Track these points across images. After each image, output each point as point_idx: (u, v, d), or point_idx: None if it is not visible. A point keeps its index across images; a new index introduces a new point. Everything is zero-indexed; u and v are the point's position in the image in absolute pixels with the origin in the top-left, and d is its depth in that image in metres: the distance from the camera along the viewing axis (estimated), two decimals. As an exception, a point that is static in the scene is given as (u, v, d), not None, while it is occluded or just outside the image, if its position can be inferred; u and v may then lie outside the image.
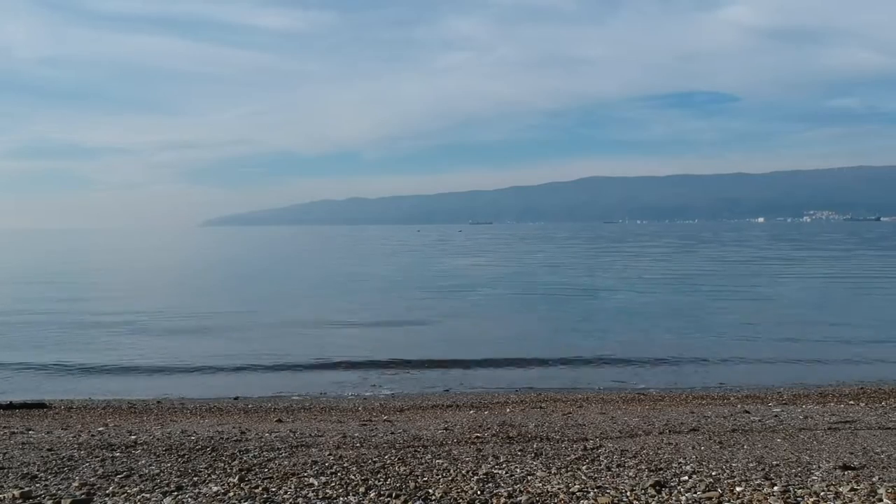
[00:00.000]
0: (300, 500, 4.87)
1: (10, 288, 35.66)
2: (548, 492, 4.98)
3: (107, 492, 5.05)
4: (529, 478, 5.38)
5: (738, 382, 13.14)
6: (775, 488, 4.99)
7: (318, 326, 21.02)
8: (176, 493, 5.01)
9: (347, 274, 43.79)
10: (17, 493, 4.95)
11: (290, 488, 5.12)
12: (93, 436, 7.61)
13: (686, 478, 5.33)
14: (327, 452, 6.42)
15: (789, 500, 4.72)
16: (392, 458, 6.16)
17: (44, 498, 4.92)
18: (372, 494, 4.99)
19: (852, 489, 4.92)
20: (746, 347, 16.78)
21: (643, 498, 4.84)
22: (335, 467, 5.76)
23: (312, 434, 7.67)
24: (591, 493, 4.93)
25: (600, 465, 5.82)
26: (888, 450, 6.38)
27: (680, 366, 14.91)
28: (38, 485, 5.24)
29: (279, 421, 9.47)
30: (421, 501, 4.87)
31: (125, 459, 6.10)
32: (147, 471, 5.65)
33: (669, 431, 7.57)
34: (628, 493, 4.92)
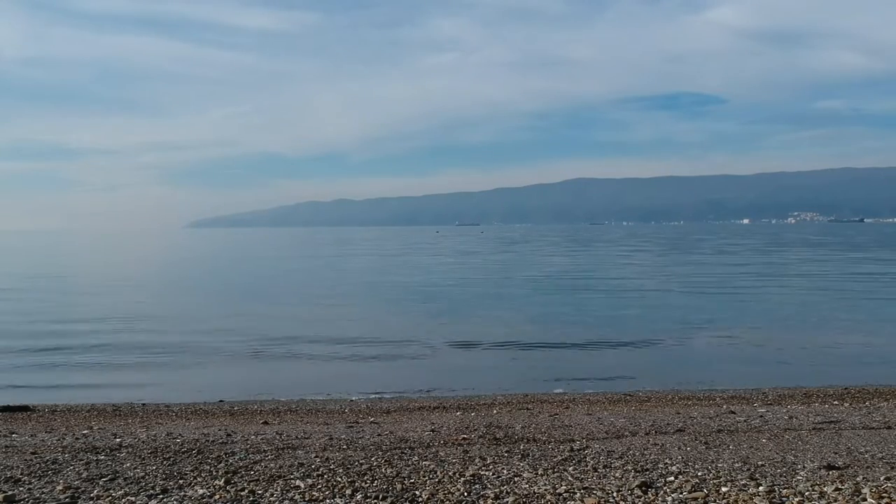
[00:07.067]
0: (286, 502, 4.85)
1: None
2: (535, 493, 4.98)
3: (91, 495, 5.01)
4: (516, 479, 5.38)
5: (723, 383, 13.21)
6: (760, 488, 5.02)
7: (309, 328, 20.95)
8: (161, 496, 4.98)
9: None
10: (0, 497, 4.91)
11: (276, 491, 5.10)
12: (77, 439, 7.55)
13: (672, 478, 5.35)
14: (314, 455, 6.39)
15: (774, 500, 4.75)
16: (379, 460, 6.14)
17: (27, 501, 4.88)
18: (359, 497, 4.97)
19: (837, 489, 4.95)
20: (733, 348, 16.93)
21: (629, 498, 4.85)
22: (322, 469, 5.74)
23: (299, 436, 7.64)
24: (578, 494, 4.95)
25: (587, 466, 5.84)
26: (872, 449, 6.44)
27: (666, 366, 14.99)
28: (21, 488, 5.18)
29: (265, 423, 9.43)
30: (408, 503, 4.87)
31: (110, 462, 6.05)
32: (132, 474, 5.61)
33: (655, 432, 7.60)
34: (615, 494, 4.94)
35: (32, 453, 6.48)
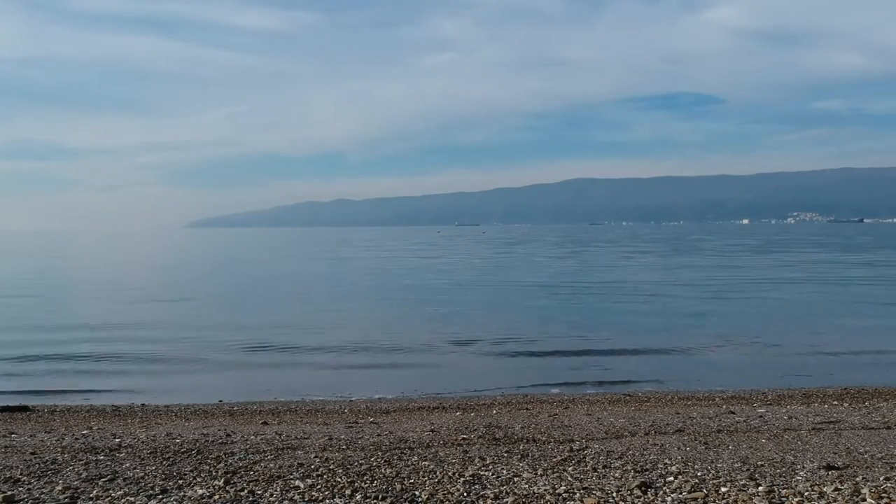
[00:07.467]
0: (286, 502, 4.85)
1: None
2: (534, 493, 4.98)
3: (90, 495, 5.01)
4: (516, 479, 5.38)
5: (723, 383, 13.22)
6: (760, 488, 5.02)
7: (309, 328, 20.95)
8: (161, 497, 4.98)
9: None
10: (-1, 497, 4.91)
11: (275, 491, 5.10)
12: (76, 439, 7.54)
13: (672, 478, 5.35)
14: (313, 455, 6.39)
15: (774, 501, 4.75)
16: (378, 460, 6.14)
17: (27, 502, 4.87)
18: (358, 497, 4.97)
19: (836, 489, 4.96)
20: (732, 348, 16.93)
21: (629, 499, 4.85)
22: (321, 470, 5.74)
23: (298, 436, 7.64)
24: (578, 495, 4.95)
25: (586, 466, 5.84)
26: (871, 450, 6.44)
27: (666, 366, 15.00)
28: (21, 489, 5.18)
29: (265, 423, 9.43)
30: (407, 503, 4.87)
31: (109, 463, 6.05)
32: (131, 474, 5.61)
33: (655, 432, 7.60)
34: (614, 494, 4.94)
35: (32, 453, 6.48)
